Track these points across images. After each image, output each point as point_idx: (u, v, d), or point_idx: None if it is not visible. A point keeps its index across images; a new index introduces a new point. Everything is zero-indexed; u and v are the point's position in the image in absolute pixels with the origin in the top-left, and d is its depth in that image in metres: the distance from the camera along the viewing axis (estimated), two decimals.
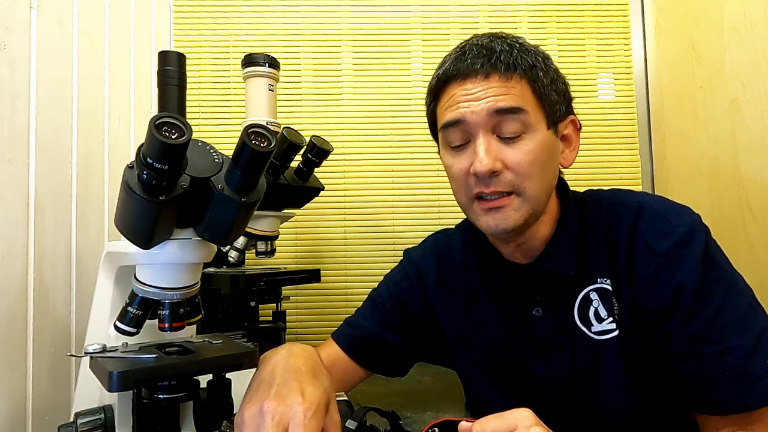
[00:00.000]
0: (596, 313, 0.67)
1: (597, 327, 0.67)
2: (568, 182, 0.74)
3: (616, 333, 0.65)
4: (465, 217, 0.86)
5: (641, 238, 0.64)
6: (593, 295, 0.67)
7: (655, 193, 1.43)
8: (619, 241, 0.66)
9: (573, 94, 0.71)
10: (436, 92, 0.70)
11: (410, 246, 0.89)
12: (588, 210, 0.71)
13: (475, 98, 0.63)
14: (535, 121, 0.64)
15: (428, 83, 0.72)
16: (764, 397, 0.56)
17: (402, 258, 0.87)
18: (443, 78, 0.67)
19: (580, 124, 0.72)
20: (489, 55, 0.64)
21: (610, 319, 0.66)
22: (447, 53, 0.71)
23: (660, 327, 0.62)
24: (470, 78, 0.64)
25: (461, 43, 0.69)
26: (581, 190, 0.76)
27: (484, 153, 0.62)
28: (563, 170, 0.72)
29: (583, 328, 0.67)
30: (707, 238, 0.63)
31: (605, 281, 0.67)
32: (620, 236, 0.66)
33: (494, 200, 0.64)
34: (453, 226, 0.87)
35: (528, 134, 0.63)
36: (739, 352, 0.57)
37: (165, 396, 0.57)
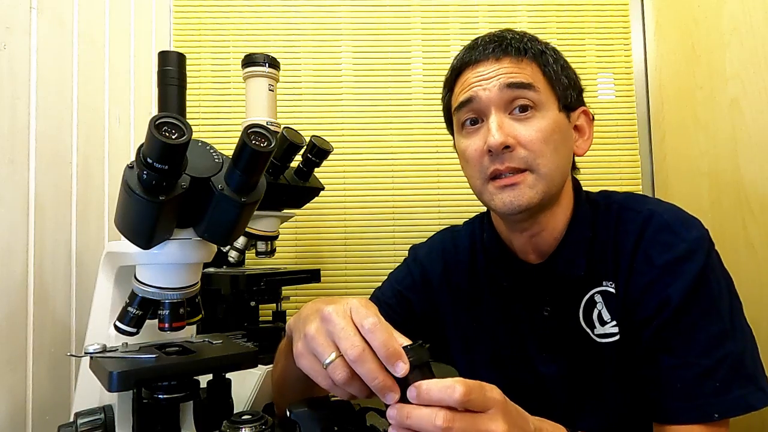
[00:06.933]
0: (600, 315, 0.67)
1: (600, 329, 0.67)
2: None
3: (617, 337, 0.66)
4: (465, 217, 0.87)
5: (644, 247, 0.65)
6: (598, 298, 0.68)
7: (656, 194, 1.43)
8: (625, 246, 0.66)
9: None
10: (451, 82, 0.72)
11: (410, 246, 0.89)
12: (600, 212, 0.71)
13: (486, 78, 0.66)
14: (546, 101, 0.65)
15: (444, 79, 0.74)
16: (705, 415, 0.58)
17: (407, 255, 0.87)
18: (457, 66, 0.70)
19: (592, 115, 0.73)
20: (500, 42, 0.67)
21: (614, 322, 0.66)
22: (448, 52, 0.72)
23: (639, 335, 0.63)
24: (482, 62, 0.67)
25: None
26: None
27: (497, 128, 0.64)
28: (576, 161, 0.73)
29: (587, 330, 0.68)
30: (709, 255, 0.63)
31: (610, 285, 0.67)
32: (626, 242, 0.67)
33: (509, 177, 0.64)
34: (460, 224, 0.87)
35: (539, 112, 0.65)
36: (695, 370, 0.59)
37: (165, 396, 0.57)
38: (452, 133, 0.75)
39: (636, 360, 0.64)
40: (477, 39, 0.70)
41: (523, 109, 0.65)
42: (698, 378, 0.58)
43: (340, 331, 0.45)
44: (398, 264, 0.88)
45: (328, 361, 0.46)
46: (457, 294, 0.78)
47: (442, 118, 0.77)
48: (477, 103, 0.66)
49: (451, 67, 0.72)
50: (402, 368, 0.43)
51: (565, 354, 0.69)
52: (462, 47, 0.72)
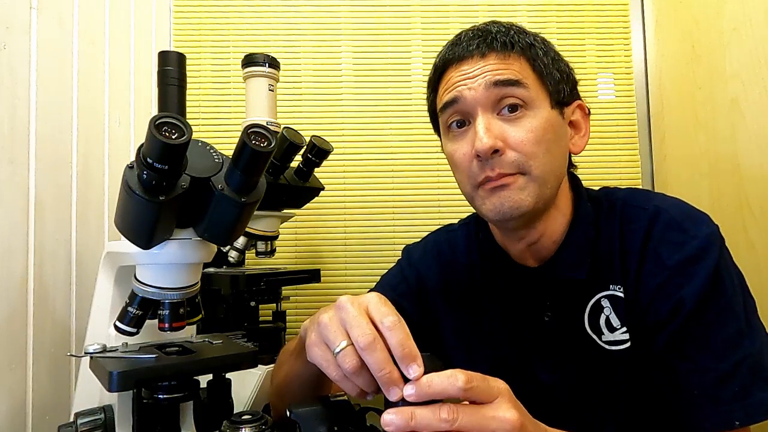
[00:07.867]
0: (608, 321, 0.64)
1: (608, 336, 0.63)
2: None
3: (628, 344, 0.62)
4: (465, 216, 0.84)
5: (653, 247, 0.61)
6: (605, 303, 0.64)
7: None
8: (632, 246, 0.63)
9: None
10: (435, 82, 0.68)
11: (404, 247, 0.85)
12: (602, 210, 0.67)
13: (471, 77, 0.61)
14: (537, 98, 0.61)
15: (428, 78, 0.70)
16: (726, 422, 0.55)
17: (401, 256, 0.83)
18: (440, 64, 0.66)
19: (588, 110, 0.68)
20: (485, 36, 0.63)
21: (624, 329, 0.63)
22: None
23: (651, 341, 0.60)
24: (466, 60, 0.62)
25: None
26: None
27: (484, 131, 0.59)
28: (574, 159, 0.69)
29: (594, 336, 0.64)
30: (721, 252, 0.60)
31: (618, 288, 0.63)
32: (633, 242, 0.63)
33: (498, 179, 0.60)
34: (456, 222, 0.83)
35: (530, 111, 0.61)
36: (712, 374, 0.56)
37: (165, 396, 0.57)
38: (439, 136, 0.71)
39: (649, 367, 0.61)
40: (460, 34, 0.65)
41: (513, 108, 0.60)
42: (716, 383, 0.55)
43: (353, 319, 0.45)
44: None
45: (338, 348, 0.44)
46: (455, 298, 0.75)
47: None
48: (462, 103, 0.62)
49: (434, 66, 0.67)
50: (416, 371, 0.42)
51: (569, 362, 0.65)
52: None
